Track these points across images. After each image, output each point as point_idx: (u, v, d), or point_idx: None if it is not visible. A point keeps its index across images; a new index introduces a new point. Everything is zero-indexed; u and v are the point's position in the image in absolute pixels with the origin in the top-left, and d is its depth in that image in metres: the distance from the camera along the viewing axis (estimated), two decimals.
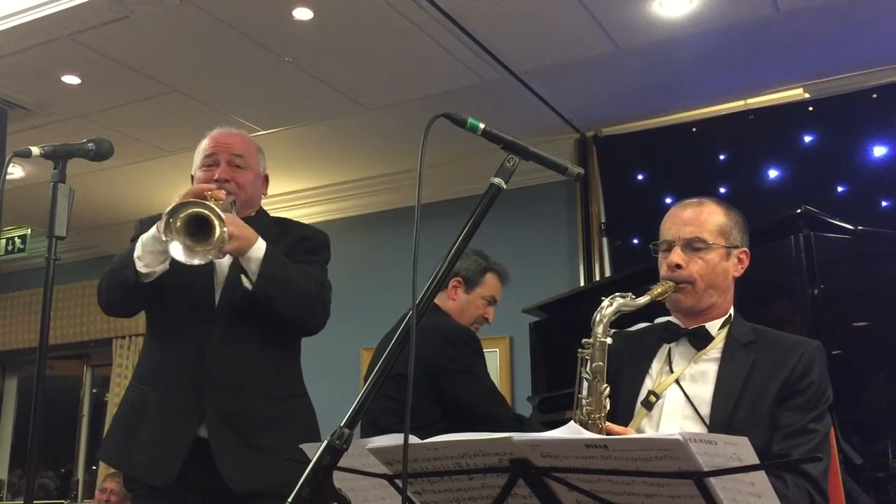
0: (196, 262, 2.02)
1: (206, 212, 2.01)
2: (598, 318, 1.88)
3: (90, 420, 7.09)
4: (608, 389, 1.85)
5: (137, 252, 2.16)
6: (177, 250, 2.01)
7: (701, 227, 1.95)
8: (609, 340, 1.87)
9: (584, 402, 1.85)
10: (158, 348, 2.34)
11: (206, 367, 2.21)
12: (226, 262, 2.26)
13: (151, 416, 2.26)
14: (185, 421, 2.20)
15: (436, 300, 3.00)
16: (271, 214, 2.53)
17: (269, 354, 2.29)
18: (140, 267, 2.16)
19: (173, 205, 2.02)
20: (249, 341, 2.25)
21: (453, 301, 3.02)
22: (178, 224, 2.01)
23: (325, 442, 1.26)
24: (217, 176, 2.32)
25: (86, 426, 7.08)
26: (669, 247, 1.97)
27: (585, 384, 1.86)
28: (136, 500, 2.30)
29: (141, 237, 2.19)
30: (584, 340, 1.89)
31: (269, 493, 2.11)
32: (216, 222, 2.00)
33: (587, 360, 1.87)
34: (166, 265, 2.18)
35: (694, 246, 1.93)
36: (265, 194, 2.50)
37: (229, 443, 2.18)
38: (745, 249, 2.00)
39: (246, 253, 2.13)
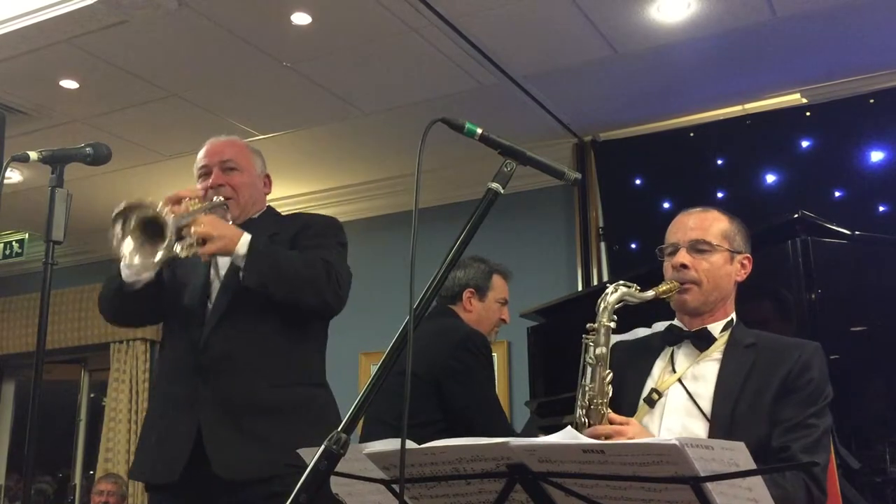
0: (157, 261, 2.05)
1: (158, 217, 2.04)
2: (602, 306, 1.95)
3: (88, 425, 7.07)
4: (611, 375, 1.91)
5: (125, 261, 2.19)
6: (128, 249, 2.05)
7: (706, 231, 2.02)
8: (613, 325, 1.94)
9: (586, 388, 1.91)
10: (166, 350, 2.40)
11: (202, 354, 2.24)
12: (224, 260, 2.30)
13: (158, 417, 2.30)
14: (184, 412, 2.21)
15: (454, 310, 3.04)
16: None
17: (274, 341, 2.28)
18: (126, 276, 2.21)
19: (122, 207, 2.04)
20: (249, 328, 2.26)
21: (470, 312, 3.06)
22: (132, 224, 2.04)
23: (323, 447, 1.26)
24: (210, 183, 2.38)
25: (83, 431, 7.06)
26: (675, 249, 2.02)
27: (589, 370, 1.92)
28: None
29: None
30: (588, 325, 1.95)
31: (264, 482, 2.09)
32: (168, 228, 2.03)
33: (591, 346, 1.93)
34: (151, 274, 2.21)
35: (699, 248, 2.00)
36: (269, 193, 2.56)
37: (221, 428, 2.17)
38: (748, 256, 2.07)
39: (233, 252, 2.16)
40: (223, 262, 2.32)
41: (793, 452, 1.78)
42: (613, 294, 1.95)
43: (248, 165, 2.46)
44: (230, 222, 2.33)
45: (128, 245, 2.04)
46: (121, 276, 2.23)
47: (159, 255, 2.03)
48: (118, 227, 2.03)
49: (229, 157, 2.43)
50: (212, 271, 2.35)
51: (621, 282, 1.98)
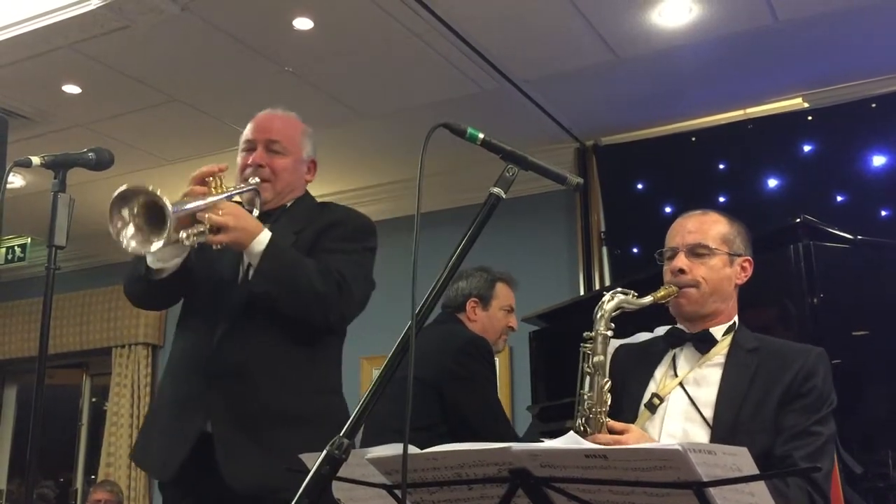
0: (153, 249, 1.91)
1: (158, 201, 1.89)
2: (599, 314, 1.93)
3: (89, 429, 7.07)
4: (609, 384, 1.89)
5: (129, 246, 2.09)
6: (130, 234, 1.91)
7: (705, 235, 2.00)
8: (610, 334, 1.91)
9: (585, 397, 1.89)
10: (179, 338, 2.29)
11: (214, 358, 2.12)
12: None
13: (164, 409, 2.21)
14: (191, 414, 2.12)
15: (460, 320, 3.04)
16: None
17: (288, 347, 2.15)
18: (151, 262, 2.09)
19: (122, 190, 1.90)
20: (265, 333, 2.13)
21: (475, 322, 3.06)
22: (136, 209, 1.91)
23: (325, 452, 1.26)
24: (251, 161, 2.26)
25: (85, 435, 7.06)
26: (674, 253, 2.01)
27: (587, 379, 1.90)
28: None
29: None
30: (585, 334, 1.92)
31: (274, 495, 1.97)
32: (167, 210, 1.87)
33: (588, 354, 1.91)
34: (178, 261, 2.11)
35: (697, 252, 1.98)
36: (310, 180, 2.40)
37: (234, 437, 2.06)
38: (749, 258, 2.04)
39: (247, 246, 2.04)
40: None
41: (795, 461, 1.76)
42: (610, 302, 1.93)
43: (294, 148, 2.32)
44: (257, 208, 2.21)
45: (128, 232, 1.91)
46: (143, 261, 2.10)
47: (157, 245, 1.89)
48: (117, 213, 1.90)
49: (277, 138, 2.29)
50: (241, 268, 2.20)
51: (618, 289, 1.95)
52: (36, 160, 1.92)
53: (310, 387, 2.19)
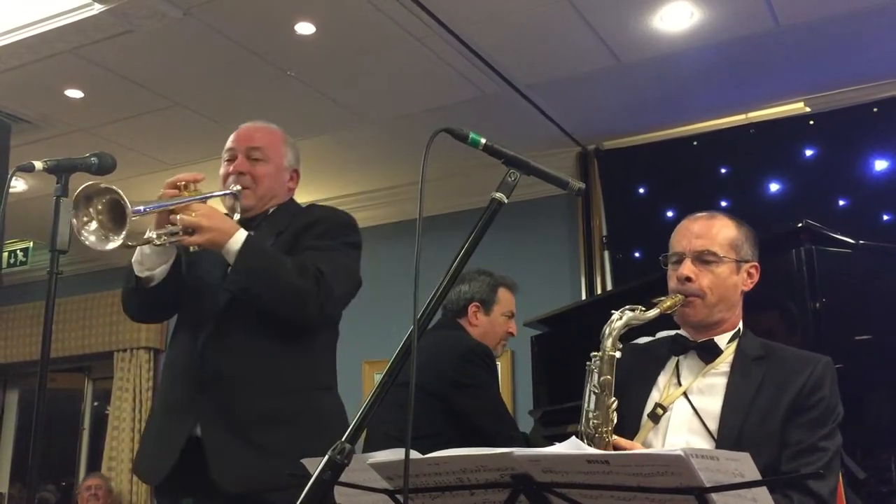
0: (109, 247, 1.94)
1: (120, 199, 1.91)
2: (607, 332, 1.86)
3: (91, 433, 7.07)
4: (615, 403, 1.83)
5: (136, 257, 2.14)
6: (91, 230, 1.94)
7: (712, 241, 1.93)
8: (618, 354, 1.85)
9: (590, 415, 1.84)
10: (171, 346, 2.34)
11: (200, 363, 2.15)
12: None
13: (157, 415, 2.26)
14: (181, 418, 2.15)
15: (461, 324, 3.04)
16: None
17: (271, 347, 2.16)
18: (138, 271, 2.14)
19: (83, 189, 1.93)
20: (247, 335, 2.16)
21: (476, 326, 3.06)
22: (100, 206, 1.94)
23: (326, 457, 1.26)
24: (233, 168, 2.29)
25: (87, 439, 7.07)
26: (679, 259, 1.95)
27: (593, 397, 1.84)
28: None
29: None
30: (592, 354, 1.87)
31: (264, 495, 2.02)
32: (126, 210, 1.90)
33: (595, 373, 1.85)
34: (166, 266, 2.15)
35: (704, 259, 1.92)
36: (293, 188, 2.42)
37: (222, 440, 2.09)
38: (755, 264, 1.99)
39: (223, 246, 2.05)
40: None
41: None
42: (619, 320, 1.86)
43: (276, 156, 2.34)
44: (238, 213, 2.24)
45: (91, 227, 1.93)
46: (132, 272, 2.15)
47: (113, 243, 1.91)
48: (83, 209, 1.92)
49: (258, 145, 2.32)
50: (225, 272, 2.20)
51: (627, 306, 1.89)
52: (39, 165, 1.92)
53: (295, 385, 2.19)
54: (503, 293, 3.12)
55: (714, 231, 1.95)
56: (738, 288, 1.95)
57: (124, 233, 1.91)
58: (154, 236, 2.02)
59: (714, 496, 1.15)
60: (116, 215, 1.93)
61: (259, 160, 2.31)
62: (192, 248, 2.12)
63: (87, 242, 1.94)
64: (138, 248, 2.12)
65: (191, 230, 2.03)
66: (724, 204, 4.71)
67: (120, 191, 1.92)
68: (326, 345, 2.32)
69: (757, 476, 1.17)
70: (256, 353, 2.17)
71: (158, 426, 2.24)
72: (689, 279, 1.91)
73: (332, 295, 2.15)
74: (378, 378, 1.37)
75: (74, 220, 1.91)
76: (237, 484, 2.07)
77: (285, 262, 2.11)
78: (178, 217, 2.03)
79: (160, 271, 2.15)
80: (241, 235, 2.07)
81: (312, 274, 2.11)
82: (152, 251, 2.12)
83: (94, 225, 1.94)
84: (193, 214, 2.04)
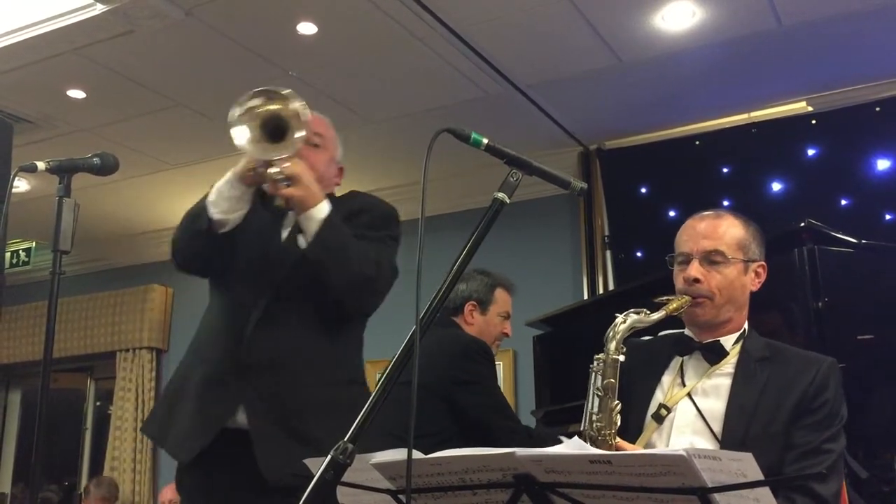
0: (256, 156, 1.93)
1: (287, 117, 1.91)
2: (611, 335, 1.84)
3: (94, 433, 7.08)
4: (619, 406, 1.82)
5: (212, 197, 2.04)
6: (241, 136, 1.92)
7: (720, 241, 1.91)
8: (621, 358, 1.83)
9: (594, 417, 1.82)
10: (213, 315, 2.22)
11: (248, 347, 2.06)
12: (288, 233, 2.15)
13: (192, 390, 2.13)
14: (220, 401, 2.05)
15: (456, 322, 3.04)
16: None
17: (322, 336, 2.11)
18: (214, 213, 2.04)
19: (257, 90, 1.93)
20: (300, 320, 2.09)
21: (471, 325, 3.05)
22: (257, 117, 1.93)
23: (329, 457, 1.26)
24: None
25: (89, 439, 7.07)
26: (687, 260, 1.92)
27: (597, 400, 1.82)
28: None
29: (216, 183, 2.07)
30: (595, 357, 1.86)
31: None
32: (294, 126, 1.90)
33: (598, 375, 1.83)
34: (242, 213, 2.07)
35: (712, 259, 1.89)
36: (338, 184, 2.37)
37: (271, 432, 2.00)
38: (763, 263, 1.97)
39: (308, 209, 1.99)
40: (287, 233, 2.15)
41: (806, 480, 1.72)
42: (623, 324, 1.83)
43: (331, 147, 2.30)
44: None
45: (243, 134, 1.91)
46: (205, 215, 2.04)
47: (275, 154, 1.90)
48: (241, 111, 1.91)
49: (319, 132, 2.25)
50: (278, 244, 2.16)
51: (631, 309, 1.86)
52: (41, 165, 1.93)
53: (339, 377, 2.15)
54: (500, 293, 3.11)
55: (721, 231, 1.93)
56: (746, 288, 1.94)
57: (289, 144, 1.92)
58: (274, 171, 1.96)
59: (717, 496, 1.15)
60: (275, 129, 1.93)
61: (317, 146, 2.24)
62: (276, 202, 2.04)
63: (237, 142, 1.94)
64: (216, 189, 2.05)
65: (290, 181, 1.97)
66: (726, 203, 4.70)
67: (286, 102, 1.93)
68: (360, 338, 2.29)
69: (760, 477, 1.16)
70: (305, 341, 2.10)
71: (193, 402, 2.11)
72: (697, 280, 1.89)
73: (383, 287, 2.13)
74: (378, 378, 1.37)
75: (237, 109, 1.94)
76: (285, 475, 1.91)
77: (358, 245, 2.06)
78: (284, 165, 1.97)
79: (237, 216, 2.07)
80: (326, 205, 2.01)
81: (374, 263, 2.07)
82: (233, 194, 2.04)
83: (246, 133, 1.94)
84: (298, 167, 1.99)
